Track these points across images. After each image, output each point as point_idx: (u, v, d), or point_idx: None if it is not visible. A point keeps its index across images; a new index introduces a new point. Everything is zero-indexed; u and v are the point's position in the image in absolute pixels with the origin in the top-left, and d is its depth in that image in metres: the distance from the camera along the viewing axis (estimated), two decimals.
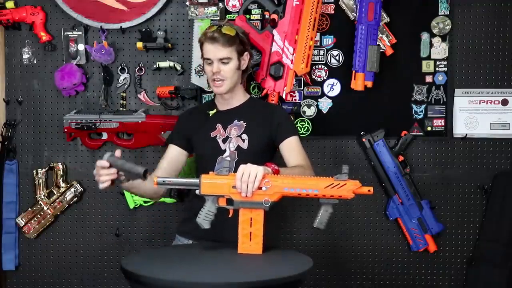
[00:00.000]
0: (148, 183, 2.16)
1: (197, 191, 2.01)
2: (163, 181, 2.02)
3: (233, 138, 2.34)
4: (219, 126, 2.38)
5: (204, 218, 2.01)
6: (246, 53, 2.40)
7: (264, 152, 2.35)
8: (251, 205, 1.98)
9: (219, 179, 1.99)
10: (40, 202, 2.93)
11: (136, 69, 2.90)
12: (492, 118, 2.92)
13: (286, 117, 2.45)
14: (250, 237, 1.99)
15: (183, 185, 2.07)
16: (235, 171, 2.00)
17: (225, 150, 2.34)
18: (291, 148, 2.32)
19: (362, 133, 2.89)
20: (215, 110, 2.44)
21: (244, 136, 2.34)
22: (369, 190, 1.96)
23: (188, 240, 2.38)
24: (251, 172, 1.95)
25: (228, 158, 2.32)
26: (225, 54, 2.32)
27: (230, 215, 2.01)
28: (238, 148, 2.33)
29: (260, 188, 1.96)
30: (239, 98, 2.44)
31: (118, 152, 2.02)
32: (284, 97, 2.78)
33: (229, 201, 2.00)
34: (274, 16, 2.77)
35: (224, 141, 2.35)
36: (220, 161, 2.33)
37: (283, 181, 1.98)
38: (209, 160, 2.35)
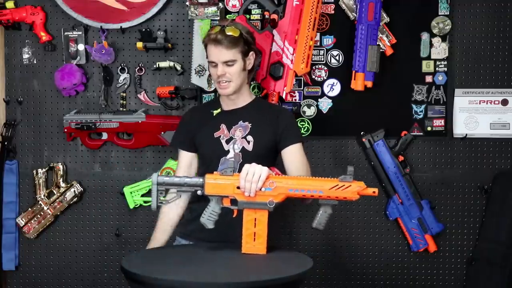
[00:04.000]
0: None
1: (199, 192, 2.00)
2: (163, 181, 2.00)
3: (238, 139, 2.31)
4: (223, 126, 2.34)
5: (208, 218, 2.00)
6: (251, 52, 2.34)
7: (269, 154, 2.32)
8: (256, 206, 1.98)
9: (223, 180, 1.98)
10: (40, 202, 2.93)
11: (136, 69, 2.90)
12: (492, 118, 2.92)
13: (292, 122, 2.40)
14: (254, 237, 1.99)
15: (185, 185, 2.01)
16: (239, 171, 2.00)
17: (228, 151, 2.31)
18: (293, 156, 2.29)
19: (362, 133, 2.89)
20: (219, 110, 2.40)
21: (249, 138, 2.30)
22: (374, 192, 1.96)
23: (189, 242, 2.37)
24: (255, 172, 1.95)
25: (232, 159, 2.29)
26: (229, 57, 2.26)
27: (234, 215, 2.01)
28: (243, 149, 2.30)
29: (260, 189, 1.96)
30: (245, 98, 2.39)
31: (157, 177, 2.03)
32: (284, 97, 2.77)
33: (233, 201, 1.99)
34: (274, 16, 2.77)
35: (227, 141, 2.32)
36: (223, 161, 2.30)
37: (287, 182, 1.98)
38: (212, 160, 2.32)
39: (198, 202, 2.23)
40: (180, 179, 2.00)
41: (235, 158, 2.29)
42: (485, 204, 2.93)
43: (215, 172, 2.02)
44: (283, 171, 2.24)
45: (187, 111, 2.61)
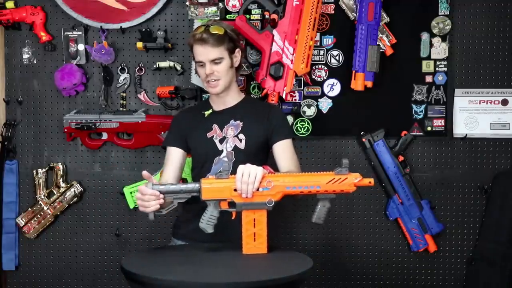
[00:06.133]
0: None
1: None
2: (159, 190, 1.98)
3: (230, 138, 2.33)
4: (215, 126, 2.36)
5: (207, 223, 2.00)
6: (237, 49, 2.37)
7: (260, 151, 2.34)
8: (254, 206, 1.98)
9: (219, 183, 1.98)
10: (40, 202, 2.93)
11: (136, 69, 2.90)
12: (492, 118, 2.92)
13: (282, 118, 2.42)
14: (254, 237, 1.99)
15: (181, 192, 2.00)
16: (233, 171, 2.00)
17: (222, 151, 2.33)
18: (283, 152, 2.32)
19: (362, 133, 2.89)
20: (210, 111, 2.42)
21: (241, 136, 2.32)
22: (370, 182, 1.96)
23: (184, 243, 2.37)
24: (250, 173, 1.95)
25: (225, 159, 2.31)
26: (216, 55, 2.30)
27: (233, 217, 2.01)
28: (235, 148, 2.32)
29: (257, 189, 1.96)
30: (234, 96, 2.42)
31: (152, 181, 2.00)
32: (284, 97, 2.77)
33: (231, 204, 1.99)
34: (274, 16, 2.77)
35: (221, 141, 2.34)
36: (217, 161, 2.32)
37: (284, 179, 1.98)
38: (206, 160, 2.34)
39: (192, 202, 2.22)
40: (175, 187, 2.00)
41: (228, 157, 2.31)
42: (485, 204, 2.93)
43: (210, 176, 2.02)
44: (274, 167, 2.24)
45: (177, 113, 2.61)
